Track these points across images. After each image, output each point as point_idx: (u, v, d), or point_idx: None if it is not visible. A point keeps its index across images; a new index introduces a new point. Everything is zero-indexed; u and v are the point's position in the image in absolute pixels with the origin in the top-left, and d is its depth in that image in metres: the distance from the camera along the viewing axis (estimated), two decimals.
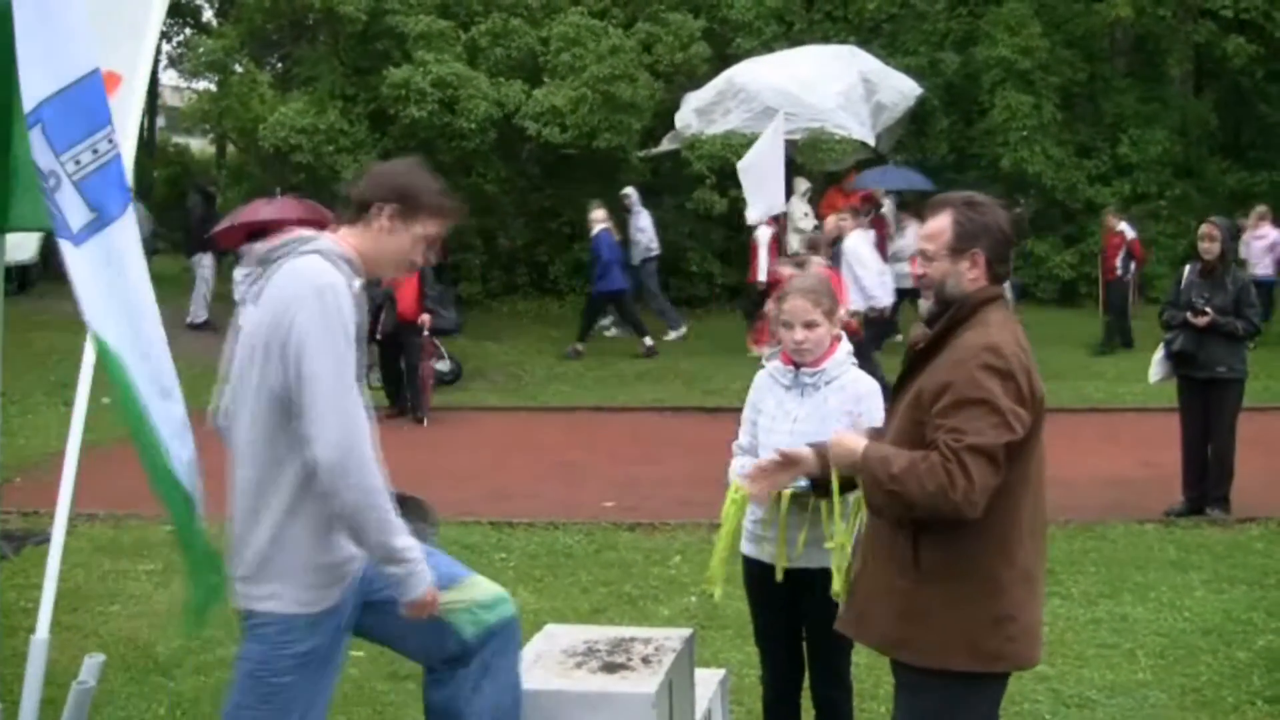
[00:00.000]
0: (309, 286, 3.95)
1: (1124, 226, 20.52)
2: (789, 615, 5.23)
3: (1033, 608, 4.08)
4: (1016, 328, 4.10)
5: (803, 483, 4.69)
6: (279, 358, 3.95)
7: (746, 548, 5.30)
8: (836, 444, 4.17)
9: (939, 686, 4.03)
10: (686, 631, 5.43)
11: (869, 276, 15.79)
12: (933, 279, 4.15)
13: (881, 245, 18.83)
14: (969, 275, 4.08)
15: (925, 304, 4.28)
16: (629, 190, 21.33)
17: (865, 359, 15.90)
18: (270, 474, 4.03)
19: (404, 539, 4.03)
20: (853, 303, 14.88)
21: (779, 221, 19.94)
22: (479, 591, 4.45)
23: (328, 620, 4.12)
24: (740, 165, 18.21)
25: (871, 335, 15.60)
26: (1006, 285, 4.29)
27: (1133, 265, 20.48)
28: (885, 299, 16.16)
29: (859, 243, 16.35)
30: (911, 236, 19.43)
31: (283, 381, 3.94)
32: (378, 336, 16.31)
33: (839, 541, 4.63)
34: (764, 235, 19.46)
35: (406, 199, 4.20)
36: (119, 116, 5.02)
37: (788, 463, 4.49)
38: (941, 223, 4.12)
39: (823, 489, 4.53)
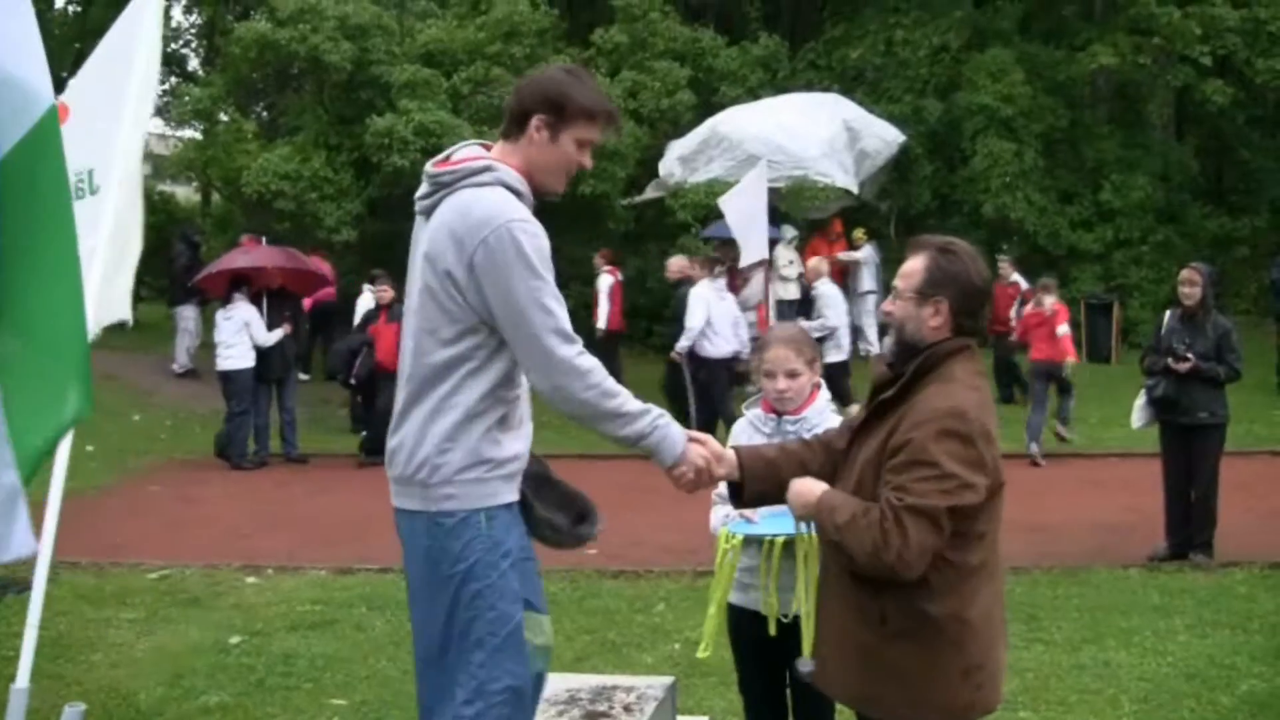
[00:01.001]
0: (503, 219, 4.04)
1: (1017, 277, 19.55)
2: (773, 663, 5.20)
3: (996, 650, 4.09)
4: (982, 382, 4.10)
5: (791, 529, 4.68)
6: (472, 284, 4.06)
7: (733, 596, 5.27)
8: (794, 490, 4.17)
9: None
10: (669, 680, 5.43)
11: (693, 327, 16.33)
12: (896, 318, 4.16)
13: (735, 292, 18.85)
14: (930, 322, 4.08)
15: (888, 340, 4.29)
16: None
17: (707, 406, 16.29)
18: (453, 383, 4.15)
19: (636, 426, 4.19)
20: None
21: (615, 268, 20.26)
22: (544, 634, 4.44)
23: (504, 514, 4.20)
24: (722, 202, 18.27)
25: (707, 383, 16.33)
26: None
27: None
28: (714, 351, 16.44)
29: (704, 290, 16.53)
30: (756, 287, 19.42)
31: (479, 306, 4.06)
32: (352, 381, 16.35)
33: (799, 594, 4.62)
34: (604, 284, 19.73)
35: (555, 105, 4.20)
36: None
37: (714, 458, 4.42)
38: (916, 264, 4.12)
39: (741, 499, 4.56)
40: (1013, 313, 18.75)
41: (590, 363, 4.10)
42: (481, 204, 4.10)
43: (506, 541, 4.20)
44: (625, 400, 4.17)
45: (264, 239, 19.26)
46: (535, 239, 4.06)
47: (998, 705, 4.13)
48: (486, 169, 4.18)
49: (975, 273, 4.11)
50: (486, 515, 4.17)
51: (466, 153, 4.28)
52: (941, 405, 3.92)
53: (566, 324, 4.09)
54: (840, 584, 4.16)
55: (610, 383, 4.13)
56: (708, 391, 16.36)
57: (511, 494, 4.24)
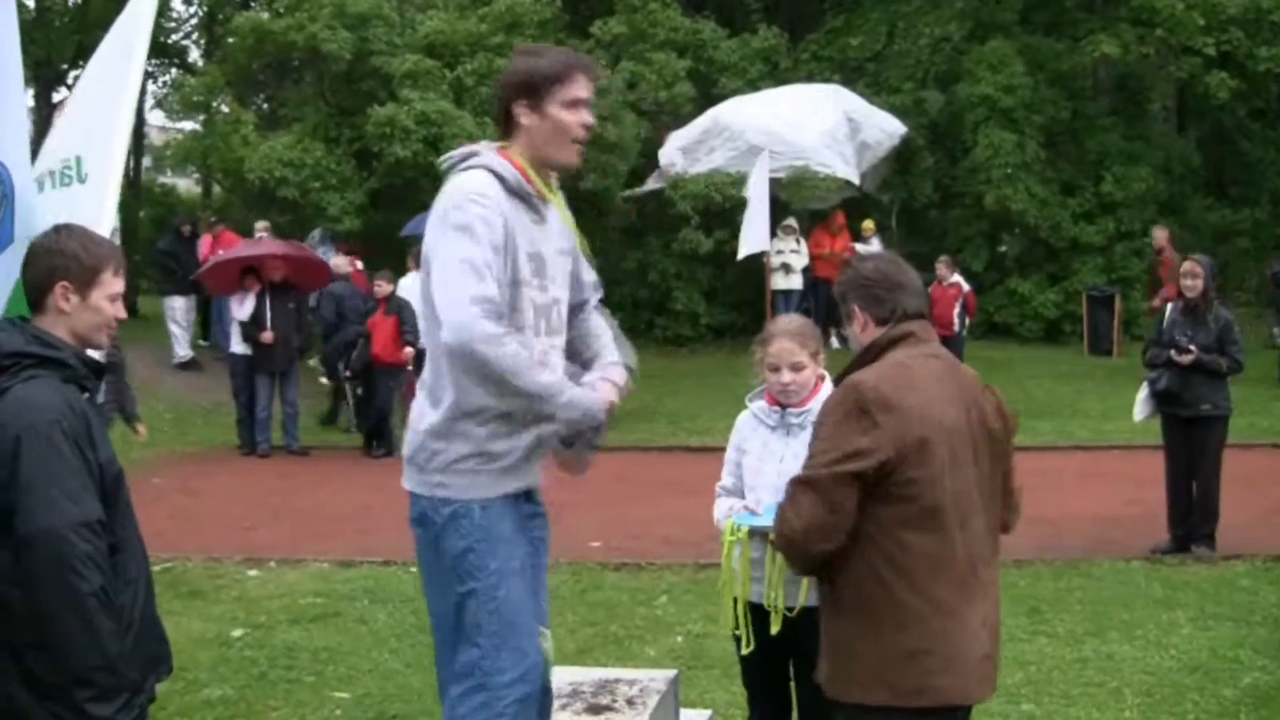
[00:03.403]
0: (459, 195, 4.11)
1: (958, 278, 18.96)
2: (778, 655, 5.19)
3: (958, 640, 3.97)
4: (918, 361, 4.11)
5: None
6: (430, 261, 4.12)
7: (737, 588, 5.25)
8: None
9: None
10: (671, 673, 5.43)
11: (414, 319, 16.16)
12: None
13: None
14: (857, 329, 4.27)
15: None
16: (315, 233, 21.41)
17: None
18: (442, 369, 4.17)
19: (545, 387, 4.11)
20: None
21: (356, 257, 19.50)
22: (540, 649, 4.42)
23: (498, 506, 4.20)
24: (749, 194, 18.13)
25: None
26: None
27: (967, 320, 18.80)
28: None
29: (413, 284, 16.52)
30: None
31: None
32: (347, 373, 16.41)
33: (805, 587, 4.64)
34: (341, 264, 18.49)
35: (525, 86, 4.25)
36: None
37: None
38: None
39: None
40: (954, 317, 18.00)
41: (506, 336, 4.02)
42: (456, 185, 4.18)
43: (502, 532, 4.20)
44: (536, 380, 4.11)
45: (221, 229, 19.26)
46: (484, 210, 4.07)
47: (969, 698, 4.05)
48: (472, 154, 4.25)
49: (865, 268, 4.33)
50: (481, 506, 4.18)
51: (467, 147, 4.34)
52: (845, 383, 4.08)
53: (493, 293, 4.01)
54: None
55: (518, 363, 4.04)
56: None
57: (507, 486, 4.24)
